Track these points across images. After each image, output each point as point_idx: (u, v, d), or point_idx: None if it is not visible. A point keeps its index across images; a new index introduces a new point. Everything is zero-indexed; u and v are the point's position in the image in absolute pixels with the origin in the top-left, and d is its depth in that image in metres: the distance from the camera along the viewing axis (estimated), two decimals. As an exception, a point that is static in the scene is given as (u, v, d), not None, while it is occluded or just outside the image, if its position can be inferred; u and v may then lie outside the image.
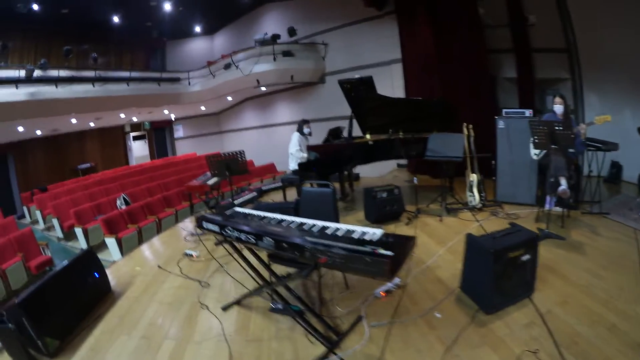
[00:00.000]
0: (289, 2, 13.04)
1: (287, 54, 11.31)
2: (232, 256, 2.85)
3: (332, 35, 11.43)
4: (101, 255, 6.88)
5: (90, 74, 11.48)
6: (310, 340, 2.61)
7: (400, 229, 4.82)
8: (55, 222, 8.80)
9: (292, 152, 5.97)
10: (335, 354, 2.46)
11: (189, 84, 13.80)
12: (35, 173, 13.27)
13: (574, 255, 3.53)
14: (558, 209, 4.40)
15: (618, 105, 6.10)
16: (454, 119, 5.83)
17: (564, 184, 3.93)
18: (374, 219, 5.04)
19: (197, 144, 17.14)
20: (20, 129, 11.65)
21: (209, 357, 2.61)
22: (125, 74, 12.51)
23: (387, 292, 3.17)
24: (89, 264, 3.60)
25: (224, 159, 4.97)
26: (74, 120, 12.73)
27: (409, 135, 5.82)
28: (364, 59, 10.31)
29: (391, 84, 9.28)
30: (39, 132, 12.94)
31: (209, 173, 6.34)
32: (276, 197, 7.47)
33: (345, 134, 6.54)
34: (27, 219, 11.49)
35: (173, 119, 17.02)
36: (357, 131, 6.38)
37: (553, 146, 3.97)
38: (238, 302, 3.22)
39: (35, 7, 10.97)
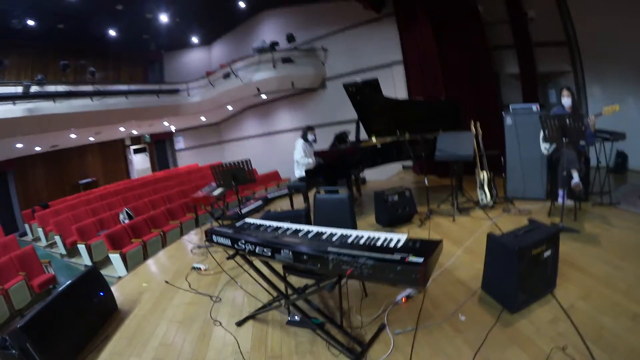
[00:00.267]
0: (286, 8, 13.01)
1: (286, 60, 11.26)
2: (244, 269, 2.70)
3: (331, 40, 11.38)
4: (106, 272, 6.77)
5: (88, 88, 11.42)
6: (333, 353, 2.48)
7: (413, 231, 4.72)
8: (57, 239, 8.68)
9: (296, 160, 5.85)
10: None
11: (188, 94, 13.75)
12: (35, 190, 13.17)
13: (590, 248, 3.50)
14: (570, 202, 4.36)
15: (621, 95, 6.08)
16: (459, 118, 5.77)
17: (576, 177, 3.92)
18: (386, 222, 4.93)
19: (198, 154, 17.08)
20: (19, 145, 11.55)
21: (226, 378, 2.46)
22: (123, 87, 12.46)
23: (408, 297, 3.03)
24: (93, 282, 3.45)
25: (230, 169, 4.86)
26: (73, 136, 12.66)
27: (417, 136, 5.71)
28: (364, 62, 10.24)
29: (393, 86, 9.23)
30: (38, 149, 12.85)
31: (213, 184, 6.21)
32: (282, 204, 7.35)
33: (352, 138, 6.42)
34: (29, 237, 11.35)
35: (173, 131, 16.95)
36: (361, 134, 6.29)
37: (564, 139, 3.94)
38: (253, 317, 3.06)
39: (31, 22, 10.95)
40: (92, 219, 8.63)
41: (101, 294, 3.45)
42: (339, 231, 2.38)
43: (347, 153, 5.72)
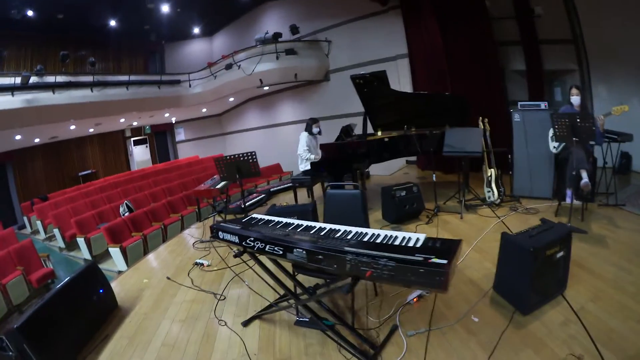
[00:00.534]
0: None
1: (290, 52, 11.06)
2: (248, 265, 2.58)
3: (335, 32, 11.16)
4: (105, 266, 6.68)
5: (88, 78, 11.20)
6: (344, 355, 2.39)
7: (421, 228, 4.62)
8: (56, 232, 8.56)
9: (300, 153, 5.72)
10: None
11: (190, 86, 13.55)
12: (35, 182, 13.00)
13: (598, 249, 3.47)
14: (577, 203, 4.30)
15: (626, 95, 6.00)
16: (466, 113, 5.65)
17: (585, 177, 3.88)
18: (393, 219, 4.81)
19: (199, 146, 16.90)
20: (18, 137, 11.38)
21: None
22: (124, 77, 12.25)
23: (419, 297, 2.92)
24: (92, 279, 3.33)
25: (234, 161, 4.72)
26: (73, 127, 12.48)
27: (426, 131, 5.58)
28: (369, 55, 10.04)
29: (398, 79, 9.06)
30: (37, 140, 12.68)
31: (216, 176, 6.09)
32: (285, 197, 7.23)
33: (358, 131, 6.28)
34: (28, 230, 11.25)
35: (174, 122, 16.77)
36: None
37: (574, 139, 3.91)
38: (259, 316, 2.95)
39: (30, 13, 10.72)
40: (92, 212, 8.52)
41: (101, 291, 3.33)
42: (353, 229, 2.26)
43: (353, 147, 5.57)
